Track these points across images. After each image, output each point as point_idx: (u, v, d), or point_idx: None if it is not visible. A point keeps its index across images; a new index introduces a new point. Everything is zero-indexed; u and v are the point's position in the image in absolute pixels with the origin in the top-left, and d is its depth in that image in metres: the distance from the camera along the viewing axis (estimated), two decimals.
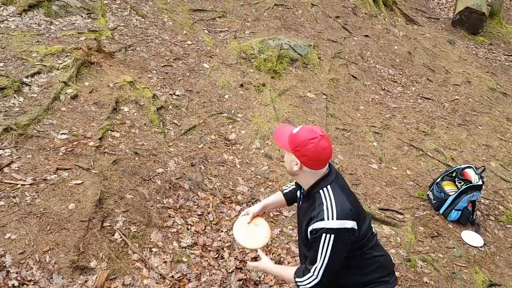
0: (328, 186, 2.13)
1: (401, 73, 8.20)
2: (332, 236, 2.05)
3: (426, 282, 4.01)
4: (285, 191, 2.67)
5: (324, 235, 2.05)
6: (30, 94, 4.73)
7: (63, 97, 4.82)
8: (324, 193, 2.12)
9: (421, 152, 6.00)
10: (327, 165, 2.18)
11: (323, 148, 2.05)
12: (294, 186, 2.61)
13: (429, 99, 7.59)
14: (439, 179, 5.09)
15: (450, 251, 4.46)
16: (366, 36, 9.00)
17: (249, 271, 3.69)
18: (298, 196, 2.40)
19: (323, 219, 2.05)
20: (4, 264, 3.05)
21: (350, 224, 2.08)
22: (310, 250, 2.15)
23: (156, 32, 6.84)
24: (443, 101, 7.63)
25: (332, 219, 2.04)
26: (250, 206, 4.29)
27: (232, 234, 2.88)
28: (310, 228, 2.11)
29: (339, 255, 2.11)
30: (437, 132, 6.59)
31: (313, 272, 2.12)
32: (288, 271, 2.32)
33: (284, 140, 2.12)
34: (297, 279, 2.19)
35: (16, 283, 2.96)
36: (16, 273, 3.03)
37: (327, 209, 2.07)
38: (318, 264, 2.09)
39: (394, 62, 8.47)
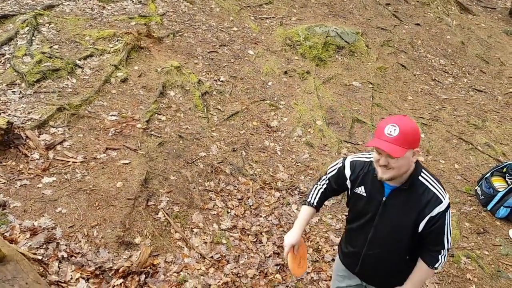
0: (423, 170, 2.12)
1: (453, 63, 7.86)
2: (449, 210, 2.10)
3: (469, 278, 3.88)
4: (313, 203, 2.42)
5: (446, 214, 2.07)
6: (83, 76, 4.94)
7: (113, 80, 5.00)
8: (424, 178, 2.09)
9: (470, 146, 5.75)
10: None
11: (413, 123, 2.02)
12: (320, 195, 2.43)
13: (482, 91, 7.24)
14: (488, 174, 4.88)
15: (497, 249, 4.28)
16: (417, 24, 8.67)
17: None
18: (367, 195, 2.20)
19: (441, 201, 2.05)
20: (54, 236, 3.24)
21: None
22: (436, 236, 2.11)
23: (203, 18, 6.91)
24: (496, 94, 7.25)
25: (445, 196, 2.07)
26: (289, 193, 4.31)
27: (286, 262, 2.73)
28: (426, 218, 2.06)
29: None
30: (489, 126, 6.29)
31: (446, 247, 2.14)
32: (420, 273, 2.23)
33: (396, 148, 1.93)
34: (437, 265, 2.18)
35: (65, 255, 3.14)
36: (66, 245, 3.21)
37: (437, 190, 2.07)
38: (448, 239, 2.13)
39: (446, 52, 8.12)
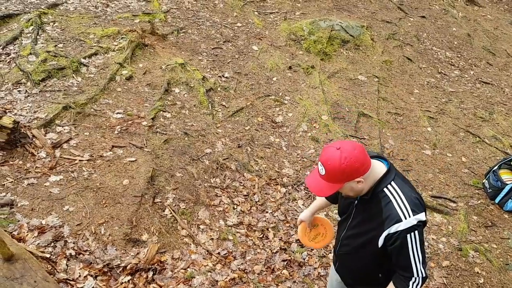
0: (392, 183, 1.95)
1: (459, 56, 7.78)
2: (416, 232, 1.90)
3: (478, 272, 3.86)
4: None
5: (408, 236, 1.90)
6: (88, 74, 4.95)
7: (118, 78, 5.01)
8: (390, 190, 1.94)
9: (478, 139, 5.70)
10: (385, 162, 2.02)
11: (351, 152, 1.84)
12: None
13: (489, 83, 7.17)
14: (496, 167, 4.84)
15: (505, 242, 4.25)
16: (423, 17, 8.59)
17: (293, 252, 3.72)
18: (345, 201, 2.21)
19: (400, 220, 1.88)
20: (62, 234, 3.26)
21: (423, 216, 1.92)
22: (398, 258, 1.96)
23: (207, 15, 6.90)
24: (503, 86, 7.18)
25: (409, 216, 1.88)
26: (295, 189, 4.31)
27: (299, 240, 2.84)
28: (384, 234, 1.93)
29: (423, 245, 1.96)
30: (496, 119, 6.23)
31: (416, 275, 1.97)
32: None
33: (326, 187, 1.90)
34: None
35: (73, 253, 3.16)
36: (73, 243, 3.23)
37: (400, 207, 1.90)
38: (417, 265, 1.95)
39: (452, 45, 8.04)
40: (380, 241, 1.97)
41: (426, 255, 2.19)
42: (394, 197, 1.93)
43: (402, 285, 2.01)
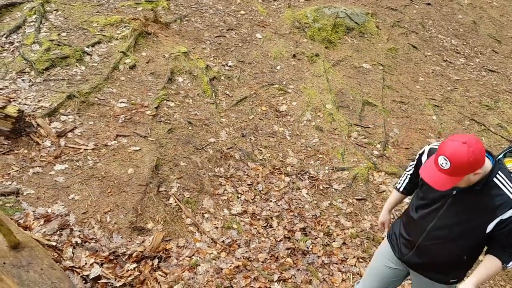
0: (499, 172, 2.05)
1: (464, 43, 7.70)
2: None
3: (481, 260, 3.86)
4: (400, 189, 2.58)
5: None
6: (91, 63, 4.94)
7: (122, 67, 4.99)
8: (500, 180, 2.03)
9: (483, 127, 5.67)
10: (491, 158, 2.09)
11: (476, 144, 1.92)
12: (407, 180, 2.53)
13: (494, 71, 7.10)
14: (501, 156, 4.78)
15: None
16: (428, 4, 8.49)
17: (297, 240, 3.74)
18: (434, 192, 2.22)
19: None
20: (68, 223, 3.29)
21: None
22: (503, 234, 2.05)
23: (210, 2, 6.84)
24: (509, 74, 7.11)
25: None
26: (299, 178, 4.31)
27: None
28: (496, 220, 2.02)
29: None
30: (501, 107, 6.19)
31: None
32: (492, 267, 2.15)
33: (447, 180, 1.96)
34: (509, 265, 2.13)
35: (79, 241, 3.19)
36: (79, 231, 3.26)
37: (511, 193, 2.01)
38: None
39: (458, 32, 7.95)
40: (489, 227, 2.06)
41: None
42: (505, 186, 2.02)
43: (508, 259, 2.10)
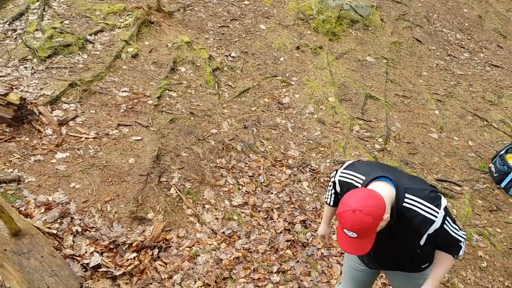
0: (406, 194, 2.00)
1: (469, 38, 7.65)
2: (447, 217, 2.03)
3: (481, 256, 3.88)
4: (331, 203, 2.55)
5: (445, 225, 2.02)
6: (94, 52, 4.92)
7: (124, 56, 4.97)
8: (408, 202, 2.00)
9: (485, 123, 5.65)
10: (387, 179, 2.01)
11: (370, 203, 1.85)
12: (334, 196, 2.50)
13: (498, 66, 7.06)
14: (503, 152, 4.80)
15: (509, 226, 4.26)
16: None
17: (297, 233, 3.75)
18: None
19: (433, 221, 1.99)
20: (68, 211, 3.29)
21: (444, 201, 2.05)
22: (443, 241, 2.09)
23: None
24: None
25: (437, 213, 1.99)
26: (301, 171, 4.30)
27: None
28: (425, 236, 2.03)
29: (452, 216, 2.12)
30: (505, 102, 6.16)
31: (462, 239, 2.12)
32: (445, 265, 2.19)
33: (365, 243, 1.92)
34: (460, 253, 2.16)
35: (80, 229, 3.20)
36: (80, 219, 3.27)
37: (426, 211, 1.99)
38: (458, 234, 2.09)
39: (463, 26, 7.89)
40: (422, 241, 2.07)
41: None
42: (417, 206, 1.99)
43: (455, 250, 2.14)
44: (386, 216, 1.90)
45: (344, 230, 1.89)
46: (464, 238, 2.12)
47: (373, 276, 2.66)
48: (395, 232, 2.07)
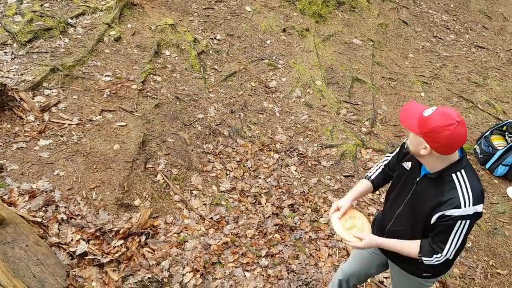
0: (462, 171, 1.99)
1: (455, 19, 7.65)
2: (468, 222, 1.99)
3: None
4: (371, 177, 2.48)
5: (459, 222, 1.97)
6: (75, 35, 4.79)
7: (106, 39, 4.85)
8: (458, 177, 1.98)
9: (471, 104, 5.70)
10: (460, 151, 2.03)
11: (459, 135, 1.87)
12: (380, 170, 2.47)
13: (484, 48, 7.09)
14: (488, 133, 4.86)
15: (494, 207, 4.33)
16: None
17: (285, 217, 3.76)
18: (408, 170, 2.22)
19: (458, 207, 1.95)
20: (53, 199, 3.24)
21: (481, 207, 2.00)
22: (439, 233, 2.05)
23: None
24: (498, 51, 7.11)
25: (469, 205, 1.95)
26: (288, 155, 4.30)
27: (332, 227, 2.70)
28: (439, 214, 2.00)
29: (467, 235, 2.06)
30: (490, 84, 6.21)
31: (445, 253, 2.07)
32: (410, 246, 2.17)
33: (412, 122, 1.94)
34: (424, 259, 2.12)
35: (65, 217, 3.15)
36: (65, 207, 3.22)
37: (463, 195, 1.96)
38: (451, 246, 2.04)
39: (448, 7, 7.88)
40: (433, 219, 2.04)
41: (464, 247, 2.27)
42: (460, 185, 1.97)
43: (427, 252, 2.10)
44: (426, 152, 1.93)
45: (434, 107, 1.93)
46: (444, 257, 2.07)
47: (377, 268, 2.66)
48: (422, 191, 2.09)
